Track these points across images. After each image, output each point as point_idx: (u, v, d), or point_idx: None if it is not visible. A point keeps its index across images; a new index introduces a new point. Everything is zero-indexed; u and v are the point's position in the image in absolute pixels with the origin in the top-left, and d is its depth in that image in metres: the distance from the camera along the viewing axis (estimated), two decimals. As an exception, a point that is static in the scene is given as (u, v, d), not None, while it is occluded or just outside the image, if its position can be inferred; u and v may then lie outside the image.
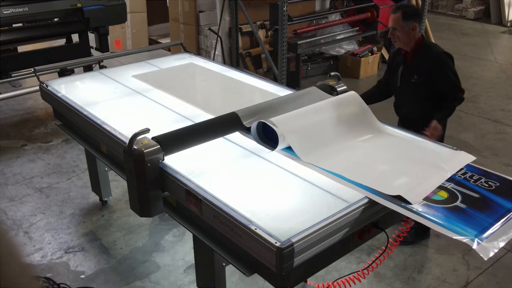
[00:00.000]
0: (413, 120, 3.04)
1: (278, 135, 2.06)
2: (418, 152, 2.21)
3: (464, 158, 2.12)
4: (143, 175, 1.96)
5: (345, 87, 2.62)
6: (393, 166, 2.07)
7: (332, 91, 2.59)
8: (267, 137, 2.19)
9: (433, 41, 6.86)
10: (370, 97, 2.86)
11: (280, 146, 2.10)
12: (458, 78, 3.01)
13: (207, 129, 2.21)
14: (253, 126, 2.18)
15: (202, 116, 2.53)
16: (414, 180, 1.92)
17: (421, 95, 3.04)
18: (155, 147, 1.96)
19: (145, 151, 1.93)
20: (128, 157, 1.96)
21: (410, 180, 1.93)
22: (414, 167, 2.04)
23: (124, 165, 2.08)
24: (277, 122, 2.10)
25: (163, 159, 2.01)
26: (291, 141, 2.08)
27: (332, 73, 2.67)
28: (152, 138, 2.01)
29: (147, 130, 1.98)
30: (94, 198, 3.73)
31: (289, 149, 2.11)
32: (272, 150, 2.12)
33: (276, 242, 1.55)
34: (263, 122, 2.15)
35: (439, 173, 1.98)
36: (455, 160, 2.11)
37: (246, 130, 2.27)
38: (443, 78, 2.97)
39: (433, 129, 2.80)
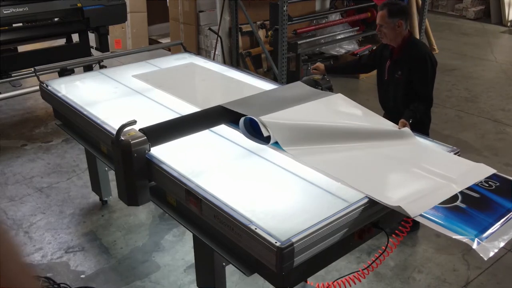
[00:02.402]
0: (397, 115, 3.02)
1: (263, 131, 2.10)
2: (431, 160, 2.11)
3: (482, 172, 2.01)
4: (130, 165, 2.03)
5: (330, 83, 2.70)
6: (399, 174, 2.02)
7: (317, 86, 2.66)
8: (257, 132, 2.21)
9: (433, 41, 6.86)
10: (345, 67, 2.90)
11: (272, 140, 2.11)
12: (432, 84, 3.04)
13: (192, 120, 2.28)
14: (241, 121, 2.22)
15: (202, 116, 2.54)
16: (418, 192, 1.84)
17: (402, 92, 3.09)
18: (142, 138, 2.04)
19: (132, 141, 2.01)
20: (116, 148, 2.04)
21: (414, 191, 1.85)
22: (422, 177, 1.97)
23: (113, 156, 2.15)
24: (266, 121, 2.11)
25: (149, 150, 2.08)
26: (279, 138, 2.09)
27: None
28: (139, 130, 2.08)
29: (134, 122, 2.05)
30: (94, 198, 3.73)
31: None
32: (266, 144, 2.14)
33: (276, 242, 1.55)
34: (250, 118, 2.18)
35: (448, 186, 1.89)
36: (472, 173, 2.00)
37: (232, 123, 2.31)
38: (420, 79, 3.00)
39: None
